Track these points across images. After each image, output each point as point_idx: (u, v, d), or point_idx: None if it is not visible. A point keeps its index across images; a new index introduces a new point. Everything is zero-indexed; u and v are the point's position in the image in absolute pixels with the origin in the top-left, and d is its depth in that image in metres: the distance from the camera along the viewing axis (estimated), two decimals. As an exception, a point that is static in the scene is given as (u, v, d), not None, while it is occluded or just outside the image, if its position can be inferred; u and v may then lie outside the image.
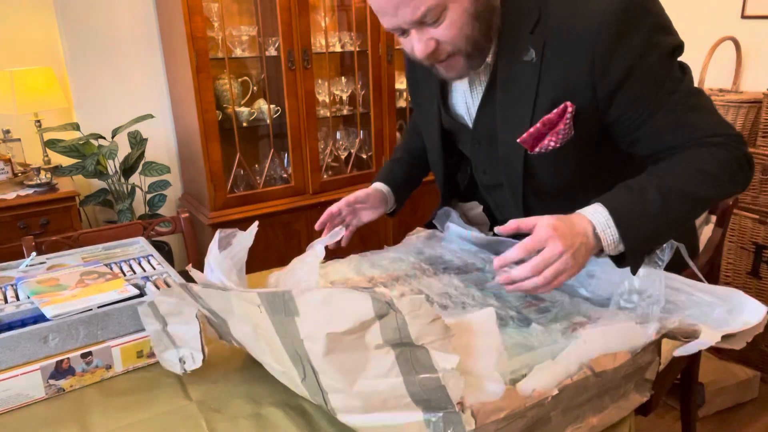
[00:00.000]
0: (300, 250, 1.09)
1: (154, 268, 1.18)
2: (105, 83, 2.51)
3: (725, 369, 2.06)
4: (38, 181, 2.29)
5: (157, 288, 1.06)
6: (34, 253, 1.23)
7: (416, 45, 0.90)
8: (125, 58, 2.53)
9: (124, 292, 1.02)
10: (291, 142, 2.52)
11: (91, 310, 0.96)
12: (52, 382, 0.92)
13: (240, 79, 2.59)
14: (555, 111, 0.92)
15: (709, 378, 1.97)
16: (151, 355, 0.99)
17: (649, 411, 1.24)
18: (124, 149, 2.40)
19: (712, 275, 1.42)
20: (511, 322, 0.93)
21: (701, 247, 1.31)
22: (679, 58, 0.94)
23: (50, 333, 0.91)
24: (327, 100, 2.67)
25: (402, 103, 2.92)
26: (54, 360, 0.91)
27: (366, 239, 2.77)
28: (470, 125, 1.08)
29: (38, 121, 2.37)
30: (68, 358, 0.93)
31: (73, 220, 2.29)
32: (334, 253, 1.25)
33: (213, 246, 0.98)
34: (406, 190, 1.32)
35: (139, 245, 1.32)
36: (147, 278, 1.12)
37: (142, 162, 2.42)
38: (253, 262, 1.08)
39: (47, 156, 2.45)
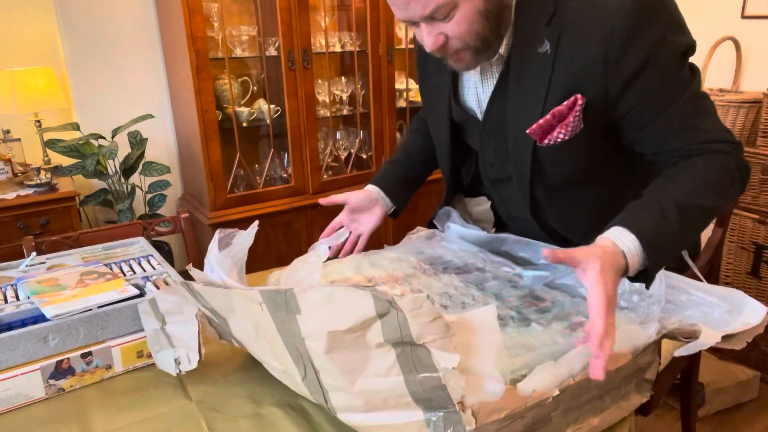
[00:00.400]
0: (300, 250, 1.09)
1: (154, 268, 1.18)
2: (105, 83, 2.51)
3: (725, 369, 2.06)
4: (38, 181, 2.28)
5: (157, 288, 1.06)
6: (34, 253, 1.23)
7: (426, 38, 0.92)
8: (125, 58, 2.53)
9: (124, 292, 1.02)
10: (291, 142, 2.52)
11: (91, 310, 0.96)
12: (52, 382, 0.92)
13: (240, 79, 2.59)
14: (565, 103, 0.92)
15: (709, 378, 1.97)
16: (151, 355, 0.99)
17: (649, 411, 1.24)
18: (124, 149, 2.40)
19: (712, 275, 1.42)
20: (511, 322, 0.93)
21: (701, 247, 1.31)
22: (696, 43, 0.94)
23: (50, 333, 0.91)
24: (327, 100, 2.67)
25: (402, 103, 2.92)
26: (54, 360, 0.91)
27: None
28: (480, 117, 1.08)
29: (38, 121, 2.37)
30: (68, 358, 0.92)
31: (73, 220, 2.29)
32: (334, 252, 1.25)
33: (213, 246, 0.98)
34: (403, 191, 1.30)
35: (139, 245, 1.32)
36: (147, 278, 1.12)
37: (142, 162, 2.42)
38: (253, 262, 1.08)
39: (47, 156, 2.45)
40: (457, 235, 1.25)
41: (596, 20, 0.88)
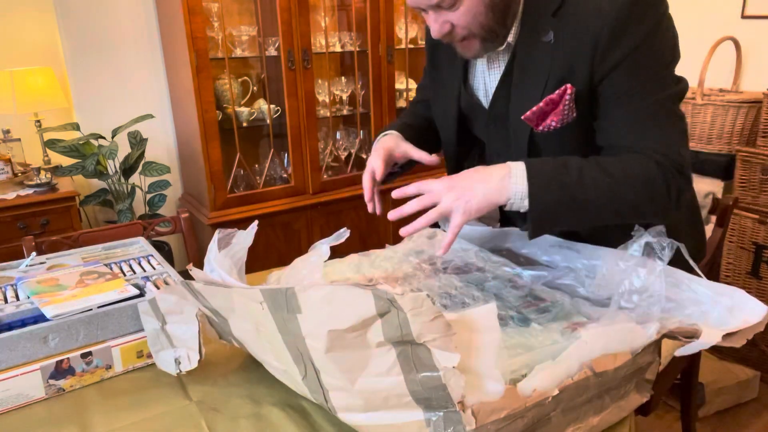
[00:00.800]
0: (300, 250, 1.09)
1: (154, 268, 1.18)
2: (105, 83, 2.51)
3: (725, 369, 2.06)
4: (38, 181, 2.28)
5: (157, 288, 1.06)
6: (34, 253, 1.23)
7: (432, 25, 0.97)
8: (125, 58, 2.53)
9: (124, 292, 1.02)
10: (291, 142, 2.52)
11: (91, 310, 0.96)
12: (52, 382, 0.92)
13: (240, 79, 2.59)
14: (557, 92, 0.95)
15: (709, 378, 1.97)
16: (151, 355, 0.99)
17: (649, 411, 1.24)
18: (124, 149, 2.40)
19: (712, 275, 1.42)
20: (511, 322, 0.93)
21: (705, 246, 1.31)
22: (680, 59, 0.97)
23: (50, 333, 0.91)
24: (327, 100, 2.67)
25: (402, 103, 2.92)
26: (54, 360, 0.91)
27: (366, 239, 2.77)
28: (486, 106, 1.11)
29: (38, 121, 2.37)
30: (68, 358, 0.92)
31: (73, 220, 2.29)
32: (334, 252, 1.25)
33: (213, 246, 0.98)
34: (414, 134, 1.24)
35: (139, 245, 1.32)
36: (147, 278, 1.12)
37: (142, 162, 2.42)
38: (253, 262, 1.08)
39: (47, 156, 2.45)
40: (461, 233, 1.25)
41: (594, 10, 0.92)
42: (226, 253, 0.97)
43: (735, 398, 2.02)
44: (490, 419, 0.65)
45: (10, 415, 0.88)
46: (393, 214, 0.93)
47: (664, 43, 0.93)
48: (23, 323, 0.95)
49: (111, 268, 1.17)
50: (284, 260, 1.13)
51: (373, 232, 2.81)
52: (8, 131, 2.40)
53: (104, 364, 0.96)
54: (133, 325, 0.98)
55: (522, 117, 0.99)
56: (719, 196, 1.50)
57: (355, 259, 1.23)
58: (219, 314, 0.88)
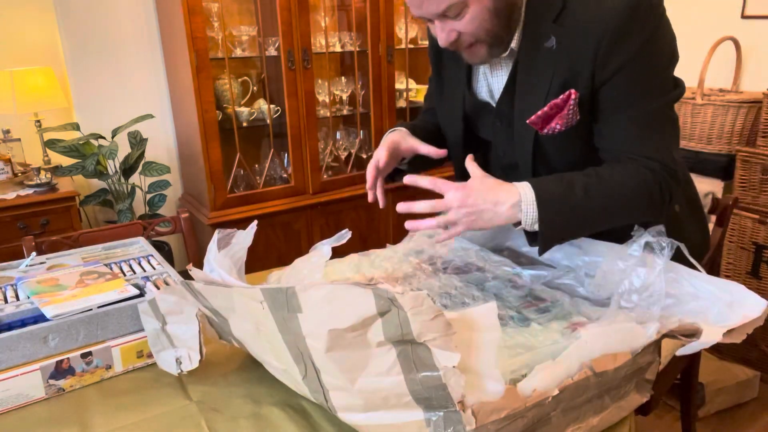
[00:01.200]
0: (300, 250, 1.09)
1: (154, 268, 1.18)
2: (105, 83, 2.51)
3: (725, 369, 2.06)
4: (38, 181, 2.28)
5: (157, 288, 1.06)
6: (34, 253, 1.23)
7: (439, 35, 0.98)
8: (125, 58, 2.53)
9: (124, 292, 1.02)
10: (291, 142, 2.52)
11: (91, 310, 0.96)
12: (52, 382, 0.92)
13: (240, 79, 2.59)
14: (561, 97, 0.97)
15: (709, 378, 1.97)
16: (151, 355, 0.99)
17: (649, 411, 1.24)
18: (124, 149, 2.40)
19: (711, 275, 1.42)
20: (511, 322, 0.93)
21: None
22: (680, 58, 0.99)
23: (50, 333, 0.91)
24: (327, 100, 2.67)
25: (402, 103, 2.92)
26: (54, 360, 0.91)
27: (366, 238, 2.77)
28: (493, 104, 1.13)
29: (38, 121, 2.37)
30: (68, 358, 0.93)
31: (73, 220, 2.29)
32: (334, 252, 1.25)
33: (212, 246, 0.98)
34: (423, 134, 1.25)
35: (139, 245, 1.32)
36: (147, 278, 1.12)
37: (142, 162, 2.42)
38: (253, 262, 1.08)
39: (47, 156, 2.45)
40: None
41: (595, 16, 0.93)
42: (226, 253, 0.97)
43: (735, 398, 2.02)
44: (490, 419, 0.65)
45: (10, 415, 0.88)
46: (402, 207, 0.96)
47: (663, 46, 0.95)
48: (23, 323, 0.95)
49: (111, 268, 1.17)
50: (284, 260, 1.13)
51: (373, 232, 2.81)
52: (8, 131, 2.40)
53: (104, 364, 0.96)
54: (133, 325, 0.98)
55: (527, 121, 1.01)
56: (719, 196, 1.50)
57: (355, 259, 1.23)
58: (219, 314, 0.88)
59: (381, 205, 1.15)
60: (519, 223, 0.93)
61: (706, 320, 0.85)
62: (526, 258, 1.17)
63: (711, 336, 0.78)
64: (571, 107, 0.97)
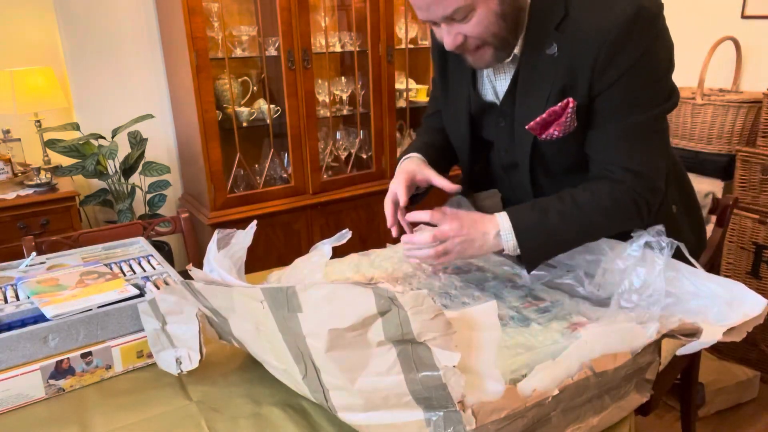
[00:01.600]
0: (300, 250, 1.09)
1: (154, 268, 1.18)
2: (105, 83, 2.51)
3: (725, 369, 2.06)
4: (38, 181, 2.28)
5: (157, 288, 1.06)
6: (34, 253, 1.23)
7: (445, 38, 0.98)
8: (125, 58, 2.53)
9: (124, 292, 1.02)
10: (291, 142, 2.52)
11: (91, 310, 0.96)
12: (52, 382, 0.92)
13: (240, 79, 2.59)
14: (559, 104, 0.98)
15: (709, 378, 1.97)
16: (151, 355, 0.99)
17: (649, 411, 1.24)
18: (124, 149, 2.40)
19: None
20: (511, 322, 0.93)
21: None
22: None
23: (50, 333, 0.91)
24: (327, 100, 2.67)
25: (402, 103, 2.92)
26: (54, 360, 0.91)
27: (366, 238, 2.77)
28: (498, 102, 1.14)
29: (38, 121, 2.37)
30: (68, 358, 0.93)
31: (73, 220, 2.29)
32: (334, 252, 1.25)
33: (212, 246, 0.98)
34: (435, 153, 1.26)
35: (139, 245, 1.32)
36: (147, 278, 1.12)
37: (142, 162, 2.42)
38: (253, 262, 1.08)
39: (47, 156, 2.45)
40: None
41: (596, 26, 0.94)
42: (226, 253, 0.97)
43: (735, 398, 2.02)
44: (490, 419, 0.65)
45: (10, 415, 0.88)
46: (405, 238, 1.04)
47: (660, 57, 0.96)
48: (23, 323, 0.95)
49: (111, 268, 1.17)
50: (284, 260, 1.13)
51: (373, 232, 2.81)
52: (8, 131, 2.40)
53: (104, 364, 0.96)
54: (133, 325, 0.98)
55: (526, 127, 1.02)
56: (719, 196, 1.50)
57: (355, 259, 1.23)
58: (219, 314, 0.88)
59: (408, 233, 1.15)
60: (503, 250, 1.00)
61: (706, 319, 0.85)
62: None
63: (711, 335, 0.78)
64: (569, 115, 0.98)
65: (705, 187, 2.26)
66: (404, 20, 2.79)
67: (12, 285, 1.08)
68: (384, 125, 2.78)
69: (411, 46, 2.86)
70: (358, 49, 2.66)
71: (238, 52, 2.43)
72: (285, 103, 2.47)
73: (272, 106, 2.55)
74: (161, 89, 2.63)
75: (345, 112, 2.79)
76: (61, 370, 0.92)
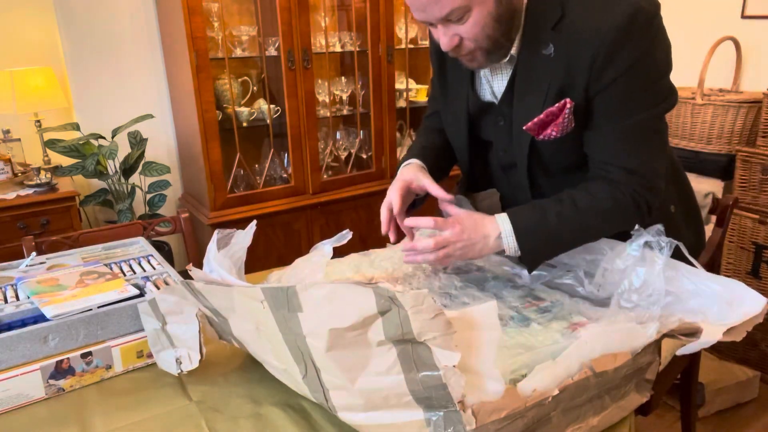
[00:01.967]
0: (300, 251, 1.09)
1: (154, 268, 1.18)
2: (105, 83, 2.51)
3: (725, 369, 2.06)
4: (38, 181, 2.28)
5: (157, 288, 1.06)
6: (34, 253, 1.23)
7: (442, 39, 0.99)
8: (125, 58, 2.53)
9: (124, 292, 1.02)
10: (291, 142, 2.52)
11: (91, 310, 0.96)
12: (52, 382, 0.92)
13: (240, 79, 2.59)
14: (557, 105, 0.99)
15: (709, 378, 1.97)
16: (151, 355, 0.99)
17: (649, 411, 1.24)
18: (124, 149, 2.40)
19: (712, 275, 1.42)
20: (511, 322, 0.93)
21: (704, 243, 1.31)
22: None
23: (50, 333, 0.91)
24: (327, 100, 2.67)
25: (402, 103, 2.92)
26: (54, 360, 0.91)
27: (366, 239, 2.77)
28: (496, 102, 1.14)
29: (38, 121, 2.37)
30: (68, 358, 0.92)
31: (73, 220, 2.29)
32: (334, 252, 1.25)
33: (212, 246, 0.98)
34: (434, 173, 1.25)
35: (139, 245, 1.32)
36: (147, 278, 1.12)
37: (142, 162, 2.42)
38: (253, 262, 1.08)
39: (47, 156, 2.45)
40: None
41: (594, 27, 0.94)
42: (225, 253, 0.97)
43: (735, 398, 2.02)
44: (490, 419, 0.65)
45: (10, 415, 0.88)
46: (407, 245, 1.04)
47: (658, 58, 0.96)
48: (23, 323, 0.95)
49: (111, 268, 1.17)
50: (284, 260, 1.13)
51: (373, 232, 2.81)
52: (8, 131, 2.40)
53: (104, 364, 0.96)
54: (133, 325, 0.98)
55: (524, 128, 1.03)
56: (719, 196, 1.49)
57: (355, 259, 1.23)
58: (219, 314, 0.88)
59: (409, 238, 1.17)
60: (504, 251, 1.01)
61: (706, 318, 0.85)
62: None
63: (711, 335, 0.78)
64: (566, 116, 0.99)
65: (705, 187, 2.26)
66: (404, 20, 2.79)
67: (12, 285, 1.08)
68: (384, 125, 2.78)
69: (411, 46, 2.86)
70: (358, 49, 2.66)
71: (238, 52, 2.43)
72: (285, 103, 2.47)
73: (272, 106, 2.55)
74: (161, 89, 2.63)
75: (345, 112, 2.79)
76: (61, 370, 0.92)
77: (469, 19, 0.95)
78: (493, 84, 1.12)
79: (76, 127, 2.35)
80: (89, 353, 0.94)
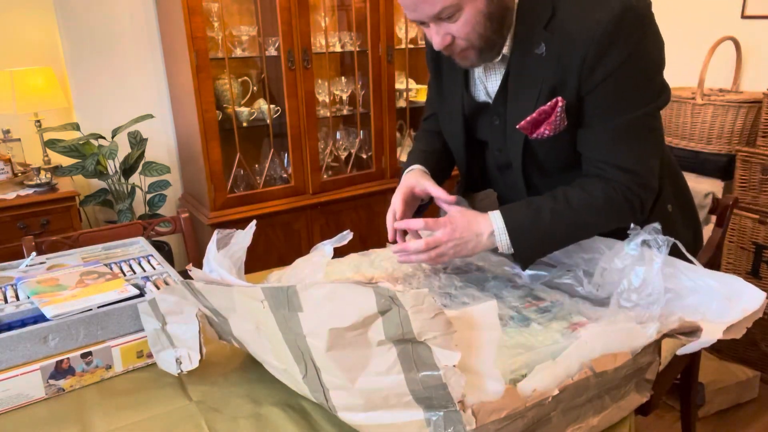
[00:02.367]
0: (300, 251, 1.09)
1: (154, 268, 1.18)
2: (105, 83, 2.51)
3: (725, 369, 2.06)
4: (38, 181, 2.28)
5: (157, 288, 1.06)
6: (34, 253, 1.23)
7: (434, 37, 1.00)
8: (125, 58, 2.53)
9: (124, 292, 1.02)
10: (291, 142, 2.52)
11: (91, 310, 0.96)
12: (52, 382, 0.92)
13: (240, 79, 2.59)
14: (549, 104, 0.99)
15: (709, 378, 1.97)
16: (151, 355, 0.99)
17: (649, 411, 1.24)
18: (124, 149, 2.40)
19: (712, 275, 1.41)
20: (511, 322, 0.93)
21: (703, 242, 1.31)
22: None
23: (50, 333, 0.91)
24: (327, 100, 2.67)
25: (402, 103, 2.92)
26: (54, 360, 0.91)
27: (366, 239, 2.77)
28: (490, 101, 1.15)
29: (38, 121, 2.37)
30: (68, 358, 0.92)
31: (73, 220, 2.29)
32: (334, 252, 1.25)
33: (211, 246, 0.98)
34: (437, 176, 1.27)
35: (139, 245, 1.32)
36: (147, 278, 1.12)
37: (142, 162, 2.42)
38: (253, 262, 1.08)
39: (47, 156, 2.45)
40: None
41: (584, 25, 0.94)
42: (225, 253, 0.97)
43: (735, 398, 2.02)
44: (490, 419, 0.65)
45: (10, 415, 0.88)
46: (396, 248, 1.06)
47: (650, 56, 0.97)
48: (23, 323, 0.95)
49: (111, 268, 1.17)
50: (284, 260, 1.13)
51: (373, 232, 2.81)
52: (8, 131, 2.40)
53: (104, 364, 0.96)
54: (133, 325, 0.98)
55: (517, 126, 1.03)
56: (719, 196, 1.49)
57: (355, 259, 1.23)
58: (219, 314, 0.88)
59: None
60: (497, 248, 1.01)
61: (705, 315, 0.85)
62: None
63: (711, 334, 0.78)
64: (558, 114, 0.99)
65: (705, 187, 2.25)
66: (404, 20, 2.79)
67: (12, 285, 1.08)
68: (384, 125, 2.78)
69: (411, 46, 2.86)
70: (358, 49, 2.66)
71: (238, 52, 2.43)
72: (285, 103, 2.47)
73: (272, 106, 2.55)
74: (161, 89, 2.63)
75: (345, 112, 2.79)
76: (61, 370, 0.92)
77: (460, 18, 0.96)
78: (487, 84, 1.12)
79: (76, 127, 2.35)
80: (89, 353, 0.94)
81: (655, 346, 0.83)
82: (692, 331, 0.81)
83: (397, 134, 2.91)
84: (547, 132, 1.01)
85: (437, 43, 1.00)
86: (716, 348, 2.21)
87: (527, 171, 1.11)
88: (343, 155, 2.81)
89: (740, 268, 2.17)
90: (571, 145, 1.05)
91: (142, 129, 2.40)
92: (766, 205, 2.08)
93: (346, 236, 1.13)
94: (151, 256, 1.25)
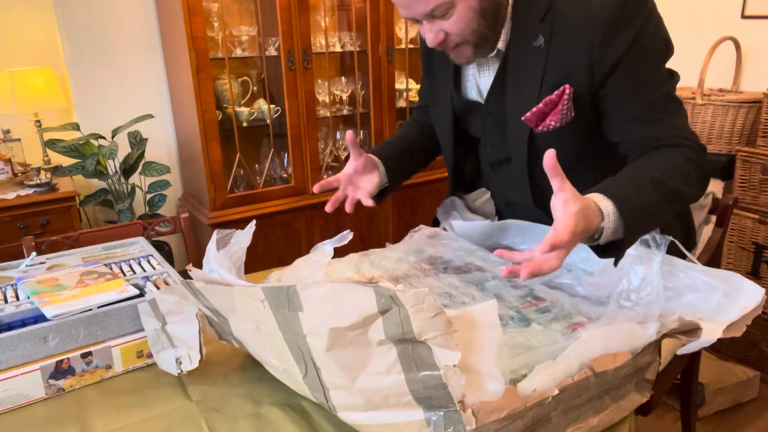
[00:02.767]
0: (300, 251, 1.09)
1: (154, 268, 1.18)
2: (105, 83, 2.51)
3: (725, 369, 2.06)
4: (38, 181, 2.28)
5: (157, 288, 1.06)
6: (34, 253, 1.23)
7: (427, 35, 1.00)
8: (125, 58, 2.53)
9: (124, 292, 1.02)
10: (291, 142, 2.52)
11: (91, 310, 0.96)
12: (52, 382, 0.92)
13: (240, 79, 2.59)
14: (556, 93, 0.99)
15: (709, 378, 1.97)
16: (151, 355, 0.99)
17: (649, 411, 1.24)
18: (124, 149, 2.40)
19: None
20: (511, 322, 0.93)
21: (701, 247, 1.31)
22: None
23: (50, 333, 0.91)
24: (327, 100, 2.67)
25: (402, 103, 2.92)
26: (54, 360, 0.91)
27: (366, 238, 2.77)
28: (482, 102, 1.15)
29: (38, 121, 2.37)
30: (68, 358, 0.92)
31: (73, 220, 2.29)
32: (334, 252, 1.25)
33: (211, 246, 0.98)
34: (397, 171, 1.28)
35: (139, 245, 1.32)
36: (147, 278, 1.12)
37: (142, 162, 2.42)
38: (253, 262, 1.08)
39: (47, 156, 2.45)
40: (460, 230, 1.25)
41: (584, 15, 0.95)
42: (225, 253, 0.97)
43: (735, 398, 2.02)
44: (490, 419, 0.65)
45: (10, 415, 0.88)
46: (529, 270, 0.81)
47: (658, 36, 0.97)
48: (23, 323, 0.95)
49: (111, 268, 1.17)
50: (284, 260, 1.13)
51: (373, 232, 2.81)
52: (8, 131, 2.39)
53: (104, 364, 0.96)
54: (133, 325, 0.98)
55: (522, 118, 1.02)
56: (719, 196, 1.49)
57: (355, 259, 1.23)
58: (219, 314, 0.88)
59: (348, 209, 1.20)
60: (590, 239, 0.85)
61: (705, 313, 0.85)
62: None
63: (711, 333, 0.78)
64: (565, 103, 0.98)
65: (705, 187, 2.26)
66: (404, 20, 2.79)
67: (12, 285, 1.08)
68: (384, 125, 2.78)
69: (411, 46, 2.86)
70: (358, 49, 2.66)
71: (238, 52, 2.43)
72: (285, 103, 2.47)
73: (272, 106, 2.55)
74: (161, 89, 2.63)
75: (345, 112, 2.79)
76: (61, 370, 0.92)
77: (453, 15, 0.97)
78: (480, 80, 1.12)
79: (76, 127, 2.35)
80: (89, 353, 0.94)
81: (655, 346, 0.83)
82: (692, 331, 0.81)
83: (397, 134, 2.91)
84: (553, 123, 1.00)
85: (430, 40, 1.00)
86: (716, 348, 2.21)
87: (531, 168, 1.09)
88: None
89: (740, 268, 2.17)
90: (576, 138, 1.04)
91: (142, 129, 2.40)
92: (766, 205, 2.08)
93: (346, 236, 1.13)
94: (151, 256, 1.25)
